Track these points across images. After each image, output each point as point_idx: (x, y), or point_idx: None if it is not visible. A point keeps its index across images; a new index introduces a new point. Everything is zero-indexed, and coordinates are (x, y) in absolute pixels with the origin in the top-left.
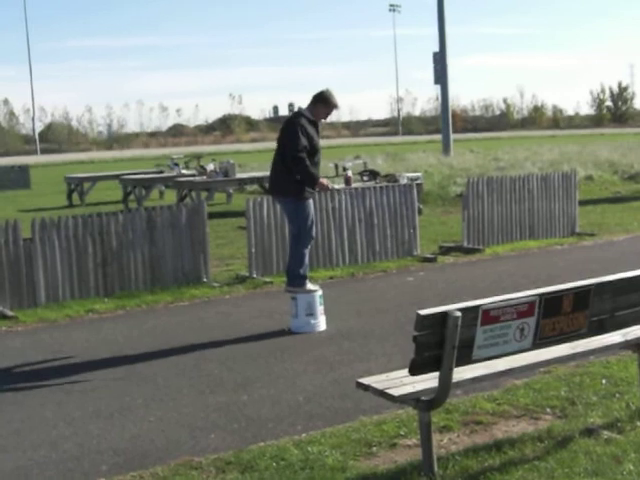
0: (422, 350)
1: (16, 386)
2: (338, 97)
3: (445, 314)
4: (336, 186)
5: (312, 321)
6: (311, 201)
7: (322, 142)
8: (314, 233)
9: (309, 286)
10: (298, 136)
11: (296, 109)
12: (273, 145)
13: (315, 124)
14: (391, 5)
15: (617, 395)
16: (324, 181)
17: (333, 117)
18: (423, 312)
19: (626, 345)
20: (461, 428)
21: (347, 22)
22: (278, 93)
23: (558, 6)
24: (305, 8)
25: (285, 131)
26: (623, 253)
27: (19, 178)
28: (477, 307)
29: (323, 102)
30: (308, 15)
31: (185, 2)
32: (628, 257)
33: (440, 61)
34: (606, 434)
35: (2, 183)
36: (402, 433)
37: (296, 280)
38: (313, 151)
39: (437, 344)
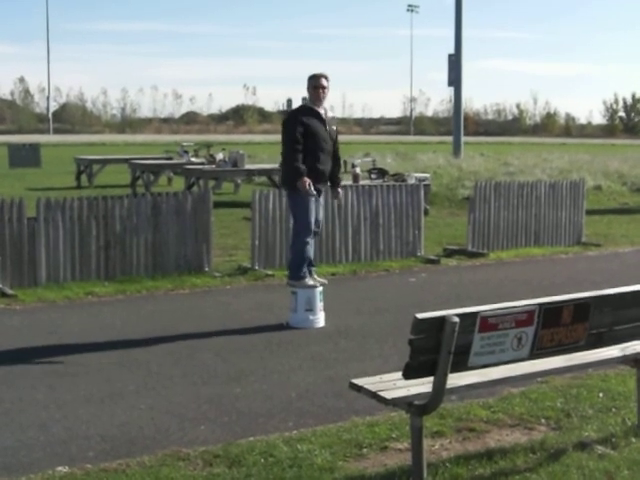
0: (417, 354)
1: (9, 366)
2: (352, 95)
3: (443, 319)
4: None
5: (311, 317)
6: (312, 199)
7: None
8: (316, 228)
9: (309, 281)
10: (287, 128)
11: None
12: None
13: (318, 114)
14: (409, 5)
15: (613, 410)
16: (305, 184)
17: (346, 113)
18: (420, 316)
19: (624, 360)
20: (454, 434)
21: (365, 20)
22: (292, 86)
23: (575, 15)
24: (324, 5)
25: (282, 123)
26: (628, 265)
27: (30, 156)
28: (475, 314)
29: (309, 82)
30: (327, 12)
31: None
32: (632, 269)
33: (455, 63)
34: (600, 449)
35: (13, 160)
36: (394, 436)
37: (295, 274)
38: (315, 140)
39: (433, 349)
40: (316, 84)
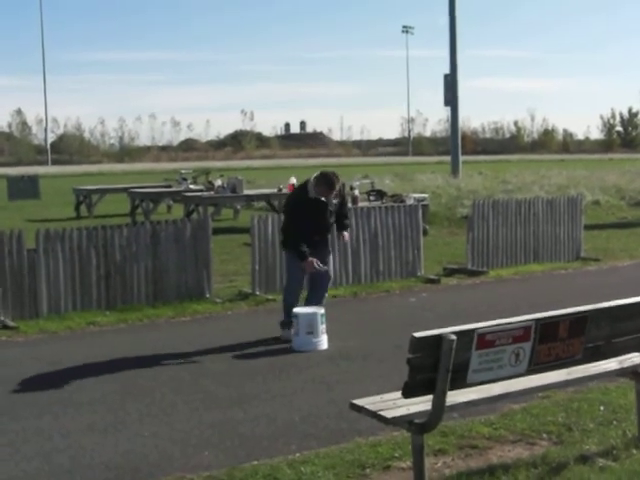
0: (416, 372)
1: (12, 397)
2: (350, 118)
3: (440, 337)
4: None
5: (313, 340)
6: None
7: (332, 160)
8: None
9: (288, 332)
10: (289, 218)
11: (309, 177)
12: (284, 162)
13: (324, 203)
14: (404, 27)
15: (614, 422)
16: (310, 266)
17: (344, 136)
18: (418, 334)
19: (622, 372)
20: (456, 452)
21: (361, 42)
22: (290, 110)
23: (570, 32)
24: (319, 28)
25: (286, 203)
26: (627, 279)
27: (29, 188)
28: (472, 331)
29: (326, 185)
30: (322, 34)
31: (200, 19)
32: (632, 283)
33: (451, 83)
34: (601, 462)
35: (12, 193)
36: (396, 455)
37: (282, 320)
38: (315, 222)
39: (431, 367)
40: (331, 187)
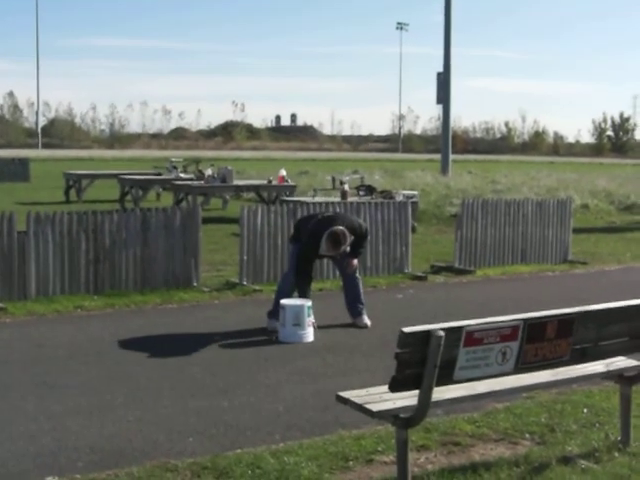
0: (403, 367)
1: None
2: (341, 113)
3: (428, 333)
4: (334, 198)
5: (299, 332)
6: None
7: (322, 154)
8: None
9: (274, 323)
10: (304, 251)
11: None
12: (273, 154)
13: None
14: (399, 23)
15: (597, 425)
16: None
17: (335, 130)
18: (407, 330)
19: (608, 375)
20: (439, 448)
21: (354, 38)
22: (281, 103)
23: (565, 36)
24: (314, 23)
25: (306, 232)
26: (614, 283)
27: (19, 171)
28: (461, 328)
29: (332, 243)
30: (316, 29)
31: (196, 9)
32: (619, 288)
33: (444, 81)
34: (583, 463)
35: (2, 175)
36: (380, 449)
37: (270, 310)
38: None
39: (419, 362)
40: (336, 247)
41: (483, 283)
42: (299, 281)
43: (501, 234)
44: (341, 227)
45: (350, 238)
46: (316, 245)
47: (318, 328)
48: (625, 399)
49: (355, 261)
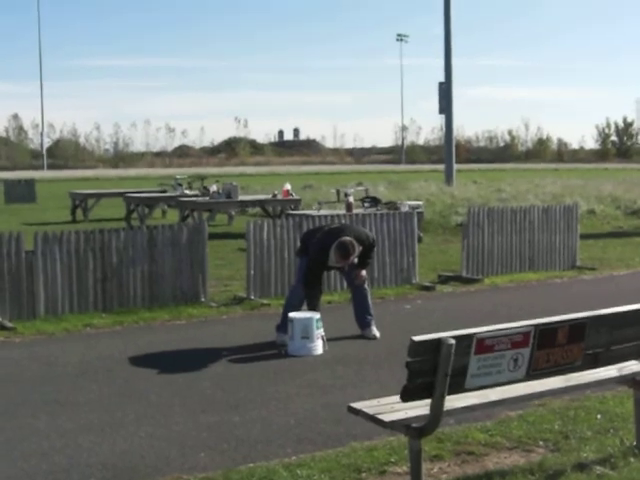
0: (415, 376)
1: (10, 396)
2: (344, 126)
3: (439, 341)
4: (338, 211)
5: (308, 344)
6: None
7: (325, 168)
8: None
9: (283, 337)
10: (312, 264)
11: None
12: (277, 169)
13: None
14: (399, 35)
15: (612, 431)
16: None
17: (337, 144)
18: (417, 338)
19: (621, 380)
20: (452, 458)
21: (355, 51)
22: (283, 118)
23: (566, 42)
24: (314, 36)
25: (313, 246)
26: (623, 288)
27: (25, 192)
28: (471, 335)
29: (340, 254)
30: (316, 43)
31: (195, 26)
32: (628, 292)
33: (445, 91)
34: (599, 469)
35: (9, 196)
36: (392, 460)
37: (279, 324)
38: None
39: (430, 371)
40: (345, 257)
41: (491, 291)
42: (308, 294)
43: (508, 242)
44: (349, 237)
45: (358, 248)
46: (324, 256)
47: (327, 340)
48: (639, 404)
49: (364, 272)
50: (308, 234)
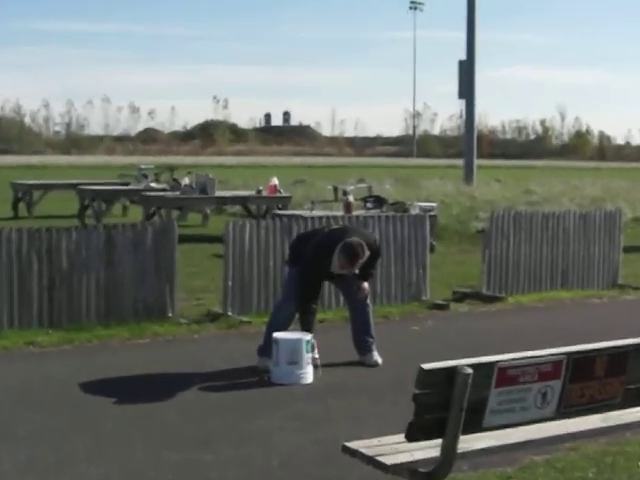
0: (423, 411)
1: None
2: (343, 110)
3: (453, 370)
4: (336, 212)
5: (296, 371)
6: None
7: (320, 160)
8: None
9: (265, 362)
10: (307, 273)
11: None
12: (263, 160)
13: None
14: (412, 2)
15: None
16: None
17: (336, 131)
18: (427, 366)
19: None
20: None
21: (359, 21)
22: (272, 100)
23: (612, 16)
24: (311, 5)
25: (306, 257)
26: None
27: None
28: (492, 364)
29: (347, 259)
30: (313, 10)
31: None
32: None
33: (467, 71)
34: None
35: None
36: None
37: (261, 345)
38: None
39: (442, 405)
40: (352, 262)
41: (516, 312)
42: (303, 309)
43: (537, 253)
44: (357, 238)
45: (367, 253)
46: (326, 262)
47: (319, 367)
48: None
49: (366, 285)
50: (300, 239)
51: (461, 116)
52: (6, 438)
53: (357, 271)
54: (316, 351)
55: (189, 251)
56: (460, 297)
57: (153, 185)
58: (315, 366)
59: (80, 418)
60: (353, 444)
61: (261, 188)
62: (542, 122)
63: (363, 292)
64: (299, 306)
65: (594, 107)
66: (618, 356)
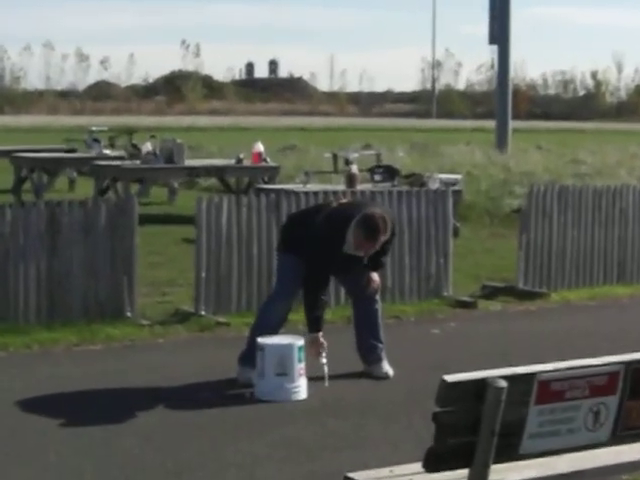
0: (445, 435)
1: None
2: (345, 59)
3: (483, 383)
4: (337, 186)
5: (286, 385)
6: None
7: (316, 120)
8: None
9: (243, 374)
10: (318, 262)
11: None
12: (244, 121)
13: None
14: None
15: None
16: (315, 348)
17: (335, 86)
18: (450, 378)
19: None
20: None
21: None
22: (255, 45)
23: None
24: None
25: (312, 239)
26: None
27: None
28: (532, 375)
29: (366, 236)
30: None
31: None
32: None
33: (500, 10)
34: None
35: None
36: None
37: (244, 349)
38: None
39: (469, 427)
40: (372, 241)
41: (561, 312)
42: (310, 303)
43: (588, 239)
44: (379, 210)
45: (389, 231)
46: (338, 242)
47: (312, 381)
48: None
49: (377, 277)
50: (293, 220)
51: (492, 66)
52: None
53: (366, 261)
54: (324, 355)
55: (152, 235)
56: (491, 293)
57: (107, 152)
58: (322, 376)
59: (17, 444)
60: (357, 475)
61: (242, 156)
62: (593, 74)
63: (374, 285)
64: (305, 300)
65: None
66: None
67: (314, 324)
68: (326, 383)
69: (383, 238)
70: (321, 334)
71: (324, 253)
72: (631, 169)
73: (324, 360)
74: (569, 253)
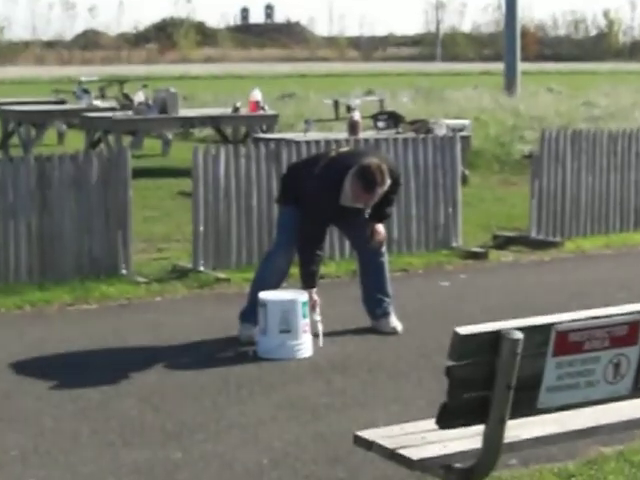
0: (459, 389)
1: None
2: (345, 2)
3: (498, 335)
4: (338, 134)
5: (290, 342)
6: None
7: (316, 66)
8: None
9: (245, 331)
10: (309, 214)
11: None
12: (239, 68)
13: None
14: None
15: None
16: (312, 301)
17: (335, 30)
18: (463, 330)
19: None
20: None
21: None
22: None
23: None
24: None
25: (309, 190)
26: None
27: None
28: (549, 326)
29: (364, 187)
30: None
31: None
32: None
33: None
34: None
35: None
36: None
37: (245, 307)
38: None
39: (483, 381)
40: (370, 192)
41: (575, 261)
42: (305, 259)
43: (603, 185)
44: (377, 160)
45: (388, 181)
46: (335, 195)
47: (321, 334)
48: None
49: (382, 229)
50: (293, 170)
51: (499, 7)
52: None
53: (369, 211)
54: (318, 312)
55: (147, 189)
56: (502, 243)
57: (97, 103)
58: (315, 334)
59: (11, 408)
60: (368, 433)
61: (239, 105)
62: (606, 13)
63: (379, 237)
64: (299, 255)
65: None
66: None
67: (308, 280)
68: (320, 342)
69: (381, 190)
70: (315, 290)
71: (321, 205)
72: None
73: (318, 317)
74: (583, 200)
